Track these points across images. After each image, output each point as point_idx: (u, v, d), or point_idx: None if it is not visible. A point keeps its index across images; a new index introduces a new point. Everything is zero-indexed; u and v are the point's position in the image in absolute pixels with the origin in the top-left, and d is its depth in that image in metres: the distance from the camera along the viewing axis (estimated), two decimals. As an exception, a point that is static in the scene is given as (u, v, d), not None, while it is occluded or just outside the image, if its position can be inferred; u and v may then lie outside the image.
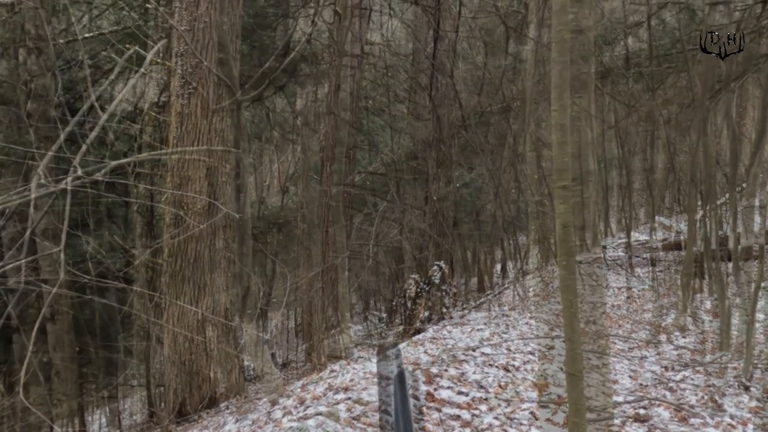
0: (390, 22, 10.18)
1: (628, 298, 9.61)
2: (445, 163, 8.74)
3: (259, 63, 11.74)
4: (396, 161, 10.76)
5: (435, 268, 6.44)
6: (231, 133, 5.69)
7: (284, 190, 16.99)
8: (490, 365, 4.34)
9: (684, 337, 6.22)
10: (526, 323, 5.70)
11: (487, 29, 14.22)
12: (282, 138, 15.59)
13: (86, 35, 8.76)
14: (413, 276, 6.72)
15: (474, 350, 4.57)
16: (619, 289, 10.32)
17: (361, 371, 4.17)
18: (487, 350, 4.67)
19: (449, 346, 4.85)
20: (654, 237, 15.50)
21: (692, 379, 4.35)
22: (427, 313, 6.23)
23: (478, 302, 7.45)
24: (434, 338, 5.41)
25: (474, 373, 4.17)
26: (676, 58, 12.11)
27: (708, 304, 9.06)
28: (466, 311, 6.26)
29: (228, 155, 5.65)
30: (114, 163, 5.56)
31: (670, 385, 4.28)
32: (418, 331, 5.94)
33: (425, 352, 4.62)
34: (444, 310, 6.29)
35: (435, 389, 3.67)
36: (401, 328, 6.31)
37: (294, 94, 16.53)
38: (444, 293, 6.36)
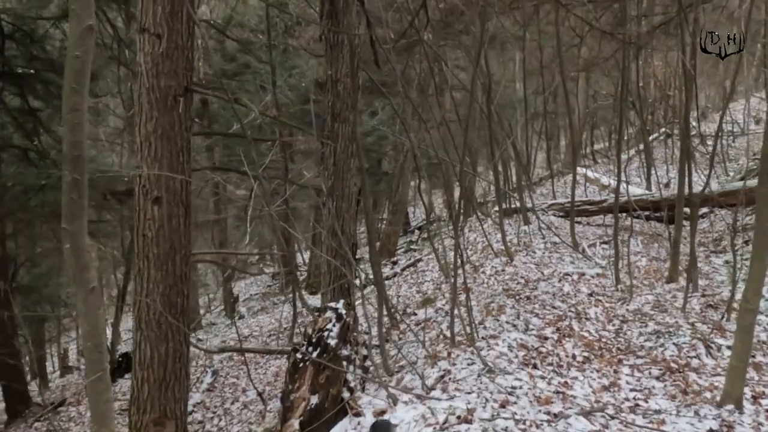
0: None
1: (590, 295, 7.21)
2: (344, 114, 5.78)
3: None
4: (278, 112, 7.69)
5: (329, 315, 3.60)
6: None
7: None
8: None
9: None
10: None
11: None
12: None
13: None
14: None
15: None
16: (568, 276, 7.91)
17: None
18: None
19: None
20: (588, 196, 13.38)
21: None
22: (315, 401, 3.40)
23: (400, 371, 4.70)
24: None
25: None
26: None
27: (696, 306, 6.85)
28: (381, 400, 3.47)
29: None
30: None
31: None
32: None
33: None
34: (347, 393, 3.48)
35: None
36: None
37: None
38: (347, 361, 3.55)
